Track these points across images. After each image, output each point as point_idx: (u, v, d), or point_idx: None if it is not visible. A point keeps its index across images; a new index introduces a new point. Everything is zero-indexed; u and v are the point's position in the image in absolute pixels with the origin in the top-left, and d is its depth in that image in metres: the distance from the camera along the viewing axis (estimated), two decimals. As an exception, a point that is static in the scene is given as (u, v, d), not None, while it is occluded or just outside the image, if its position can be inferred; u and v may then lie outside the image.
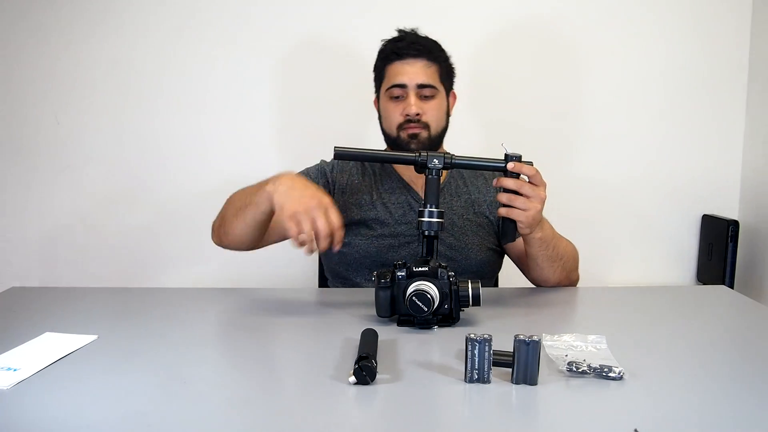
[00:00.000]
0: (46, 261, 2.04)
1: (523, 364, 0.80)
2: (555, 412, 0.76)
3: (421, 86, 1.34)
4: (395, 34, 1.40)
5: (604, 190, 2.06)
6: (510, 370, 0.81)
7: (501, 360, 0.81)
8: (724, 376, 0.87)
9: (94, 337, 0.98)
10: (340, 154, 1.17)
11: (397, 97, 1.36)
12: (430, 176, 1.10)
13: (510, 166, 1.12)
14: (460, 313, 1.04)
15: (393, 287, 1.03)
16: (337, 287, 1.42)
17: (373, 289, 1.06)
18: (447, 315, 1.03)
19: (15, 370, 0.85)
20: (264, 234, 1.27)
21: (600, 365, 0.83)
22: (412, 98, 1.34)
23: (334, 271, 1.42)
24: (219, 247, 1.34)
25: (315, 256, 1.58)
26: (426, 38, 1.39)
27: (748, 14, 1.99)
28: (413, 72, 1.34)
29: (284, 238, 1.23)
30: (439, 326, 1.04)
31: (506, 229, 1.16)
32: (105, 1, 1.96)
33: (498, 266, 1.47)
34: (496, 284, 1.51)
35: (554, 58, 2.01)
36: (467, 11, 1.97)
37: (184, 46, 1.97)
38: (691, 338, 1.02)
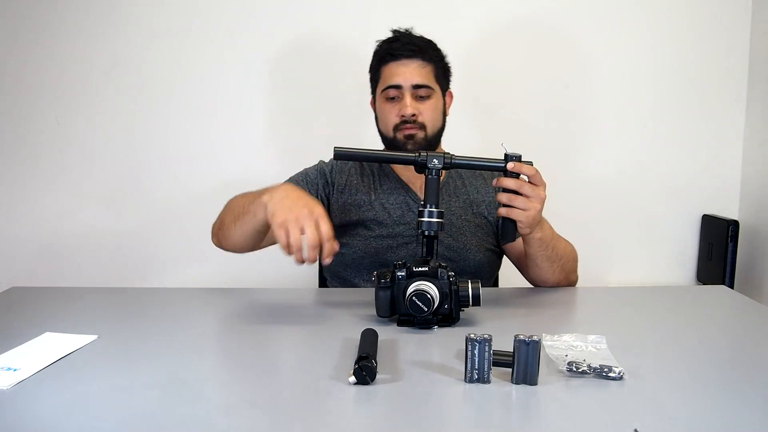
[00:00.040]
0: (46, 261, 2.04)
1: (523, 364, 0.80)
2: (555, 412, 0.76)
3: (416, 86, 1.34)
4: (391, 34, 1.40)
5: (605, 190, 2.06)
6: (510, 370, 0.81)
7: (501, 360, 0.81)
8: (724, 376, 0.87)
9: (94, 337, 0.98)
10: (340, 154, 1.16)
11: (392, 98, 1.36)
12: (429, 176, 1.10)
13: (510, 165, 1.12)
14: (460, 313, 1.04)
15: (393, 287, 1.03)
16: (336, 287, 1.42)
17: (373, 289, 1.06)
18: (447, 315, 1.03)
19: (15, 370, 0.85)
20: (261, 240, 1.27)
21: (600, 365, 0.83)
22: (408, 99, 1.34)
23: (332, 271, 1.42)
24: (218, 248, 1.34)
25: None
26: (421, 38, 1.39)
27: (748, 14, 1.99)
28: (408, 72, 1.34)
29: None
30: (439, 326, 1.04)
31: (506, 229, 1.16)
32: (105, 1, 1.96)
33: (496, 267, 1.47)
34: (494, 285, 1.51)
35: (555, 57, 2.01)
36: (465, 10, 1.97)
37: (184, 48, 1.97)
38: (691, 338, 1.02)
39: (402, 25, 1.41)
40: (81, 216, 2.02)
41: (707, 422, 0.73)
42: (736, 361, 0.95)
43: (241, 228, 1.21)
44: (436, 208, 1.08)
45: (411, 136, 1.35)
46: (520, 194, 1.11)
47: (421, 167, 1.12)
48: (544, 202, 1.14)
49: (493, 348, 0.80)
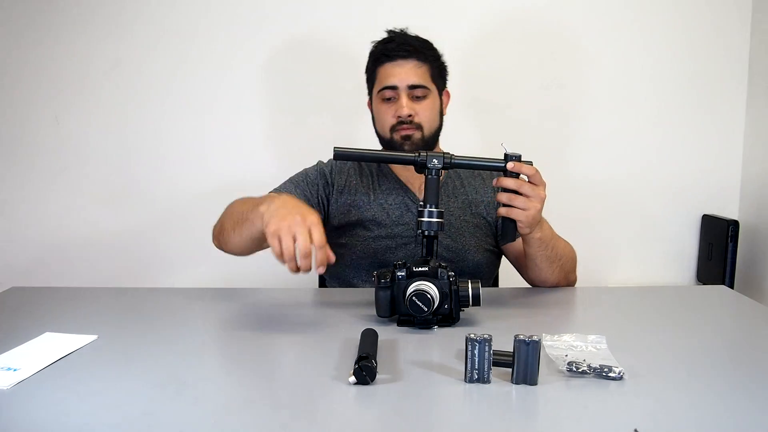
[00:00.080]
0: (46, 261, 2.04)
1: (523, 364, 0.80)
2: (555, 412, 0.76)
3: (412, 87, 1.34)
4: (386, 35, 1.39)
5: (605, 190, 2.06)
6: (510, 370, 0.81)
7: (501, 360, 0.81)
8: (724, 376, 0.87)
9: (94, 337, 0.98)
10: (340, 154, 1.16)
11: (388, 99, 1.36)
12: (429, 176, 1.10)
13: (510, 165, 1.12)
14: (460, 313, 1.04)
15: (393, 287, 1.03)
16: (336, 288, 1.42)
17: (373, 289, 1.06)
18: (447, 315, 1.03)
19: (15, 370, 0.85)
20: (261, 247, 1.27)
21: (600, 365, 0.83)
22: (404, 99, 1.33)
23: (331, 272, 1.42)
24: (219, 250, 1.34)
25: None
26: (416, 38, 1.39)
27: (748, 14, 1.99)
28: (403, 73, 1.34)
29: None
30: (439, 326, 1.04)
31: (506, 229, 1.16)
32: (105, 2, 1.96)
33: (495, 267, 1.47)
34: (494, 285, 1.50)
35: (555, 56, 2.01)
36: (464, 10, 1.97)
37: (183, 48, 1.97)
38: (691, 338, 1.02)
39: (401, 24, 1.41)
40: (80, 216, 2.02)
41: (707, 422, 0.73)
42: (736, 361, 0.95)
43: (240, 236, 1.21)
44: (436, 208, 1.08)
45: (408, 137, 1.34)
46: (520, 194, 1.11)
47: (420, 167, 1.12)
48: (544, 201, 1.14)
49: (493, 348, 0.80)
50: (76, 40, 1.96)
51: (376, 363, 0.81)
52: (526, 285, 1.38)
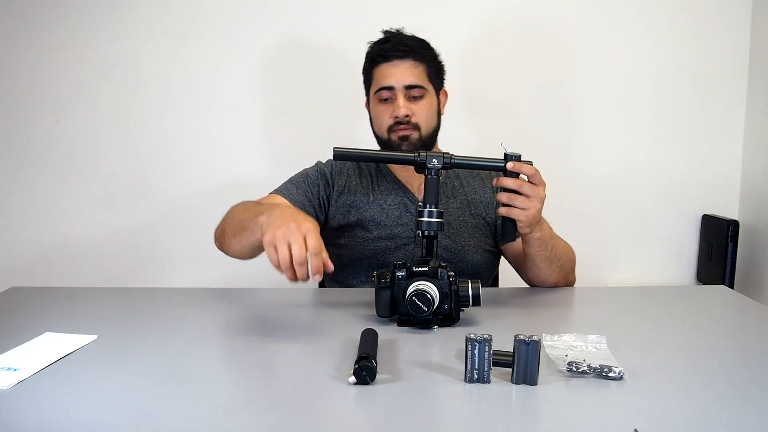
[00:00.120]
0: (46, 261, 2.04)
1: (523, 364, 0.80)
2: (555, 412, 0.76)
3: (409, 87, 1.33)
4: (382, 35, 1.39)
5: (605, 190, 2.06)
6: (510, 370, 0.81)
7: (501, 360, 0.81)
8: (724, 376, 0.87)
9: (94, 337, 0.98)
10: (340, 155, 1.16)
11: (385, 100, 1.35)
12: (429, 176, 1.10)
13: (509, 165, 1.12)
14: (460, 313, 1.04)
15: (393, 287, 1.03)
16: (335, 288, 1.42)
17: (373, 289, 1.06)
18: (447, 315, 1.03)
19: (15, 370, 0.85)
20: (261, 252, 1.27)
21: (600, 365, 0.83)
22: (401, 100, 1.33)
23: (330, 274, 1.41)
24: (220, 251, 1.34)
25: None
26: (412, 38, 1.38)
27: (748, 14, 1.99)
28: (400, 73, 1.33)
29: None
30: (439, 326, 1.04)
31: (506, 229, 1.16)
32: (105, 2, 1.96)
33: (494, 268, 1.47)
34: (493, 284, 1.50)
35: (554, 56, 2.01)
36: (462, 9, 1.97)
37: (184, 48, 1.97)
38: (691, 338, 1.02)
39: (399, 24, 1.40)
40: (81, 216, 2.03)
41: (707, 422, 0.73)
42: (736, 361, 0.95)
43: (240, 243, 1.20)
44: (435, 208, 1.08)
45: (405, 137, 1.34)
46: (520, 194, 1.11)
47: (420, 167, 1.12)
48: (543, 201, 1.14)
49: (493, 348, 0.80)
50: (75, 41, 1.96)
51: (376, 363, 0.81)
52: (526, 285, 1.38)
